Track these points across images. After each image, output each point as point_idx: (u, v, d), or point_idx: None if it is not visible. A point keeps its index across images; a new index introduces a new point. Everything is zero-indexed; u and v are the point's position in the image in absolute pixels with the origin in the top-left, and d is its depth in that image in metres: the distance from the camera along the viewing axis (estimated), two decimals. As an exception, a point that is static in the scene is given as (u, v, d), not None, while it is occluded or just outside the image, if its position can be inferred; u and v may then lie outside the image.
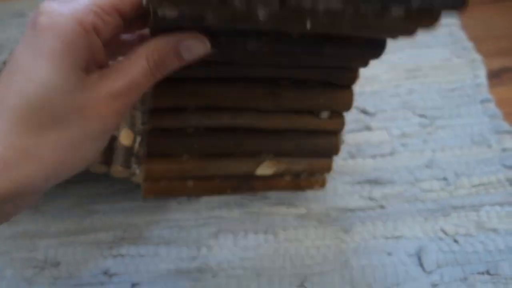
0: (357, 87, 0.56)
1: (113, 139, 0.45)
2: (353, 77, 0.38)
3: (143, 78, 0.28)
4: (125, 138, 0.45)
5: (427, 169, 0.48)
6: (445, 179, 0.47)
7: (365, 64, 0.36)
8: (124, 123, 0.46)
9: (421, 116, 0.52)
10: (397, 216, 0.45)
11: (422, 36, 0.59)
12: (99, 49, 0.28)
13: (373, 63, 0.58)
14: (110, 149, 0.44)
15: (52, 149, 0.26)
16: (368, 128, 0.52)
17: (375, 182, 0.48)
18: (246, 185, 0.41)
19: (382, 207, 0.46)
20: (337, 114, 0.40)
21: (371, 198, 0.47)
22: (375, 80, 0.56)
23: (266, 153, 0.41)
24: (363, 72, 0.59)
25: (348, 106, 0.39)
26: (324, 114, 0.39)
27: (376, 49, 0.33)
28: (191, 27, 0.28)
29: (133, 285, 0.42)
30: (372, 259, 0.42)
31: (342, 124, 0.40)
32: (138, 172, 0.44)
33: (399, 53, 0.58)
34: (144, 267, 0.43)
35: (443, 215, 0.45)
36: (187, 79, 0.36)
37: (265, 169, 0.42)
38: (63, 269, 0.44)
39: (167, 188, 0.42)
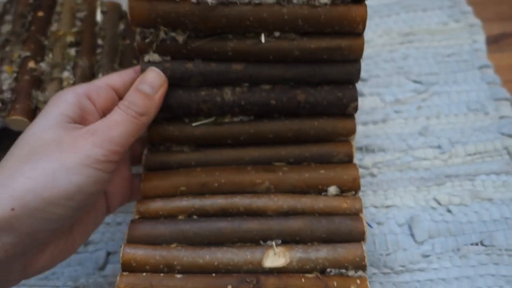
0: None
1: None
2: (348, 151, 0.36)
3: (119, 117, 0.31)
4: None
5: (420, 137, 0.46)
6: (439, 147, 0.45)
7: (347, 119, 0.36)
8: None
9: (416, 82, 0.50)
10: (388, 184, 0.43)
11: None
12: (91, 110, 0.33)
13: (367, 27, 0.56)
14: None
15: (25, 177, 0.28)
16: (360, 94, 0.49)
17: (366, 149, 0.46)
18: (253, 283, 0.31)
19: (372, 175, 0.44)
20: (349, 192, 0.35)
21: (361, 166, 0.44)
22: (368, 45, 0.53)
23: (272, 239, 0.33)
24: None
25: (353, 179, 0.35)
26: (332, 191, 0.35)
27: (346, 90, 0.35)
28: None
29: (109, 253, 0.40)
30: (361, 229, 0.40)
31: (358, 203, 0.34)
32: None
33: (394, 16, 0.56)
34: (121, 236, 0.41)
35: (437, 184, 0.43)
36: (177, 166, 0.35)
37: (274, 259, 0.32)
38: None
39: (148, 282, 0.31)
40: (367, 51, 0.53)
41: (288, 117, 0.35)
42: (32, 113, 0.39)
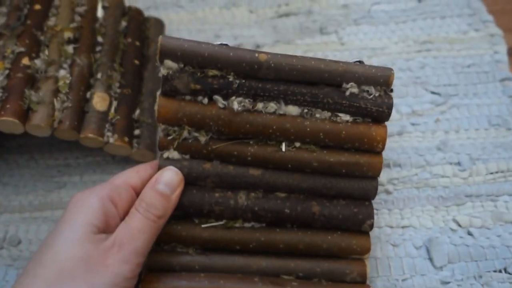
0: (363, 60, 0.50)
1: (86, 101, 0.39)
2: (362, 271, 0.34)
3: (140, 223, 0.31)
4: (98, 102, 0.39)
5: (439, 152, 0.43)
6: (459, 163, 0.42)
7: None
8: (100, 84, 0.40)
9: (434, 93, 0.47)
10: (405, 203, 0.41)
11: (436, 5, 0.54)
12: (113, 214, 0.32)
13: (381, 33, 0.53)
14: (81, 112, 0.38)
15: None
16: (374, 104, 0.46)
17: (381, 164, 0.43)
18: None
19: (388, 192, 0.41)
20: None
21: (376, 182, 0.42)
22: (383, 52, 0.51)
23: None
24: (369, 43, 0.54)
25: None
26: None
27: (363, 207, 0.34)
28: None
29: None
30: (375, 251, 0.38)
31: None
32: (112, 140, 0.38)
33: (411, 23, 0.53)
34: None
35: (456, 204, 0.40)
36: (180, 269, 0.33)
37: None
38: (24, 248, 0.39)
39: None
40: (381, 59, 0.50)
41: (301, 228, 0.34)
42: (24, 114, 0.36)
